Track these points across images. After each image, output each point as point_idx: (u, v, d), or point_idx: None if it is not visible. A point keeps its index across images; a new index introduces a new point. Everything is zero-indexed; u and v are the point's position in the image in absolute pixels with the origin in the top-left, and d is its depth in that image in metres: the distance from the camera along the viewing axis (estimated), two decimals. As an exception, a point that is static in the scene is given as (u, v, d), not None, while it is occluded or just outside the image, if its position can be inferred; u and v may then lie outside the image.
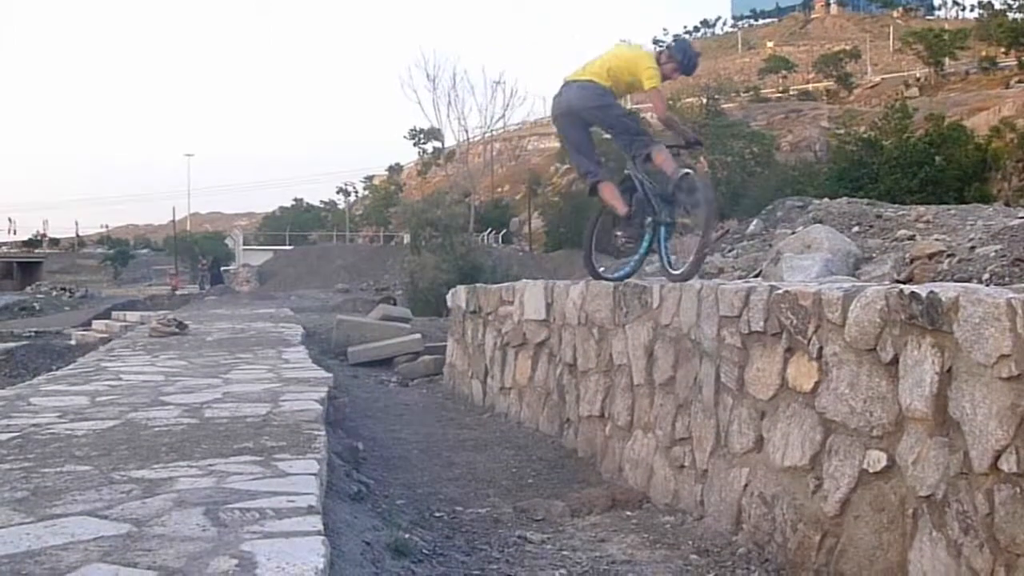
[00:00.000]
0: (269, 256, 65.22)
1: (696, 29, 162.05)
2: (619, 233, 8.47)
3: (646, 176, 7.79)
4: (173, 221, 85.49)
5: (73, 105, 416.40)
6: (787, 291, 4.97)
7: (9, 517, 3.89)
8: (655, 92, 7.67)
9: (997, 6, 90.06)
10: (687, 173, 7.50)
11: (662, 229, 7.74)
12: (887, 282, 7.99)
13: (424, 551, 4.99)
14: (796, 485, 4.79)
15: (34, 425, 6.28)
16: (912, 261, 10.46)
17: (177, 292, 49.02)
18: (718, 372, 5.71)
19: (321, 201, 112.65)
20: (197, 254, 74.61)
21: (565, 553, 5.41)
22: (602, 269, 8.34)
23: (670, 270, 7.51)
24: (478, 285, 12.46)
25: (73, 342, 26.10)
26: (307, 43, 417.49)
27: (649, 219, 7.79)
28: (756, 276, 11.05)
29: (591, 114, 7.85)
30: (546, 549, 5.49)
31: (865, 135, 44.43)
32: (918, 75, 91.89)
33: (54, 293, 70.38)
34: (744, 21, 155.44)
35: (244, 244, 77.21)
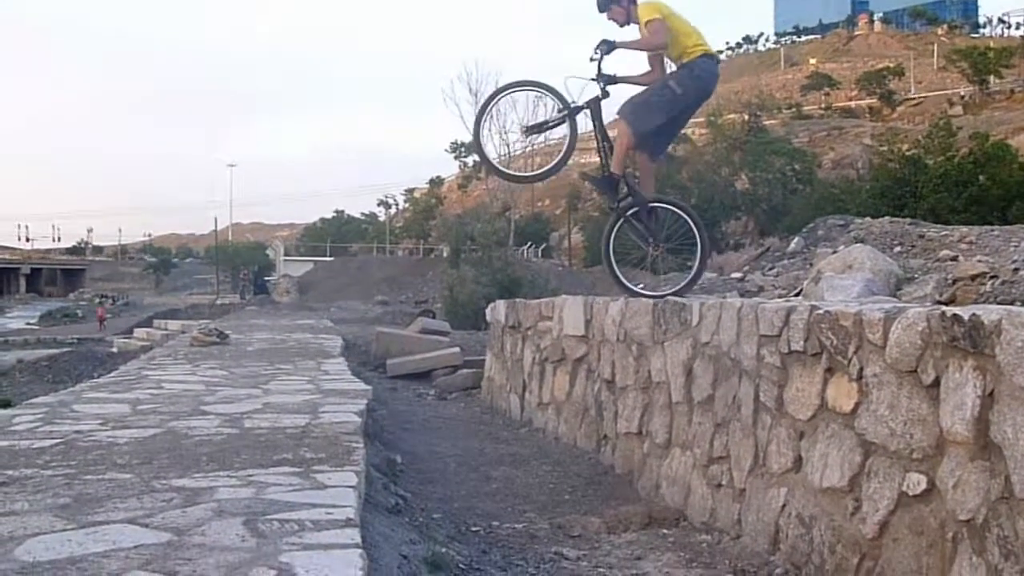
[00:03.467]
0: (309, 267, 65.53)
1: (739, 45, 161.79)
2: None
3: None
4: (215, 231, 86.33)
5: (119, 115, 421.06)
6: (828, 311, 4.95)
7: (52, 523, 3.95)
8: None
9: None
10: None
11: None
12: (929, 303, 7.93)
13: (460, 565, 5.00)
14: (835, 506, 4.76)
15: (76, 432, 6.36)
16: (954, 282, 10.38)
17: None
18: (757, 391, 5.69)
19: (362, 213, 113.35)
20: (238, 264, 75.21)
21: (601, 570, 5.41)
22: (640, 286, 8.17)
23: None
24: (517, 300, 12.46)
25: (115, 349, 26.42)
26: (351, 56, 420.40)
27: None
28: (796, 295, 11.00)
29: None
30: (582, 566, 5.49)
31: (908, 153, 44.12)
32: (962, 93, 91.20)
33: (97, 300, 71.23)
34: (787, 37, 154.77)
35: (285, 255, 77.72)
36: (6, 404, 11.10)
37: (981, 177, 38.90)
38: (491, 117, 8.31)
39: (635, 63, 7.82)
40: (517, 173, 9.28)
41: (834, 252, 13.28)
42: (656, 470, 7.13)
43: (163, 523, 3.95)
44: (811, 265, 13.36)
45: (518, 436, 10.06)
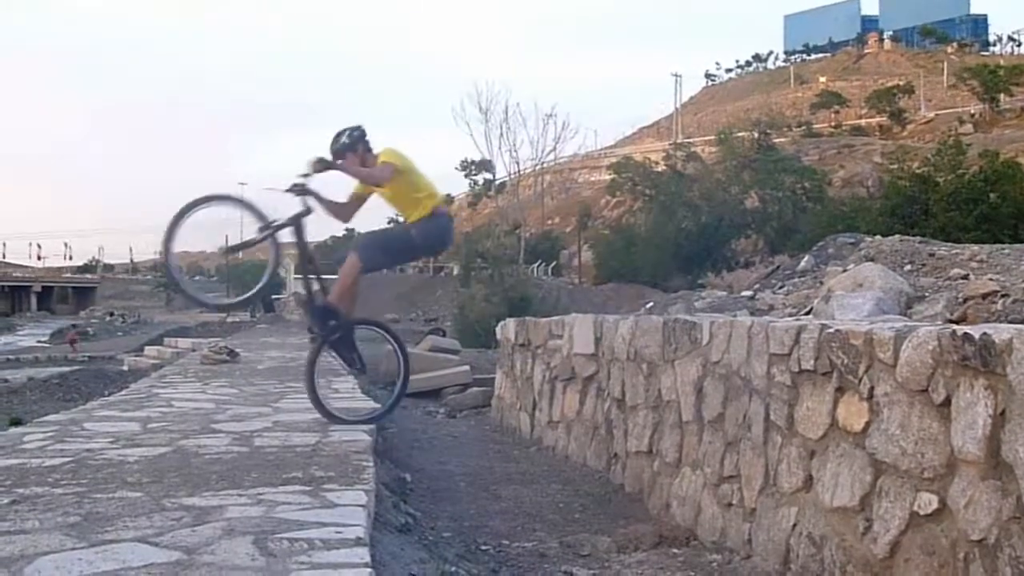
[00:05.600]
0: (320, 285, 65.49)
1: (748, 64, 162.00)
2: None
3: None
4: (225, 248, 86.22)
5: (129, 132, 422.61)
6: (838, 330, 4.94)
7: (62, 542, 3.95)
8: None
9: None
10: None
11: None
12: (939, 322, 7.91)
13: (470, 584, 4.99)
14: (845, 526, 4.74)
15: (87, 450, 6.36)
16: (965, 301, 10.32)
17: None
18: (767, 410, 5.67)
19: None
20: (248, 282, 75.26)
21: (611, 589, 5.39)
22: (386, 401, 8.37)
23: None
24: (527, 318, 12.47)
25: (126, 368, 26.46)
26: (360, 73, 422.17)
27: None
28: (807, 314, 10.95)
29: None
30: (592, 585, 5.47)
31: (918, 171, 44.01)
32: (972, 111, 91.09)
33: (107, 318, 71.37)
34: (796, 56, 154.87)
35: (295, 273, 77.77)
36: (16, 422, 11.11)
37: (992, 195, 38.73)
38: (179, 236, 7.01)
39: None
40: (215, 302, 9.22)
41: (844, 270, 13.22)
42: (666, 489, 7.11)
43: (173, 542, 3.95)
44: (821, 283, 13.31)
45: (528, 454, 10.05)
